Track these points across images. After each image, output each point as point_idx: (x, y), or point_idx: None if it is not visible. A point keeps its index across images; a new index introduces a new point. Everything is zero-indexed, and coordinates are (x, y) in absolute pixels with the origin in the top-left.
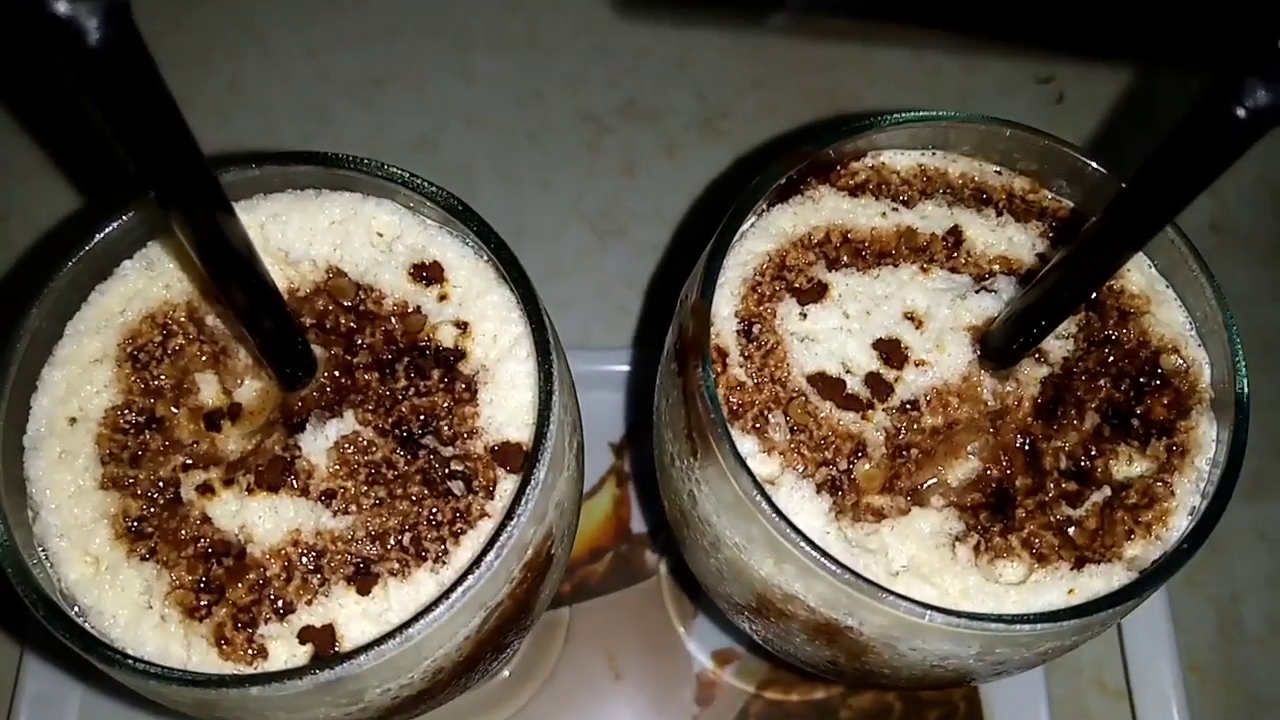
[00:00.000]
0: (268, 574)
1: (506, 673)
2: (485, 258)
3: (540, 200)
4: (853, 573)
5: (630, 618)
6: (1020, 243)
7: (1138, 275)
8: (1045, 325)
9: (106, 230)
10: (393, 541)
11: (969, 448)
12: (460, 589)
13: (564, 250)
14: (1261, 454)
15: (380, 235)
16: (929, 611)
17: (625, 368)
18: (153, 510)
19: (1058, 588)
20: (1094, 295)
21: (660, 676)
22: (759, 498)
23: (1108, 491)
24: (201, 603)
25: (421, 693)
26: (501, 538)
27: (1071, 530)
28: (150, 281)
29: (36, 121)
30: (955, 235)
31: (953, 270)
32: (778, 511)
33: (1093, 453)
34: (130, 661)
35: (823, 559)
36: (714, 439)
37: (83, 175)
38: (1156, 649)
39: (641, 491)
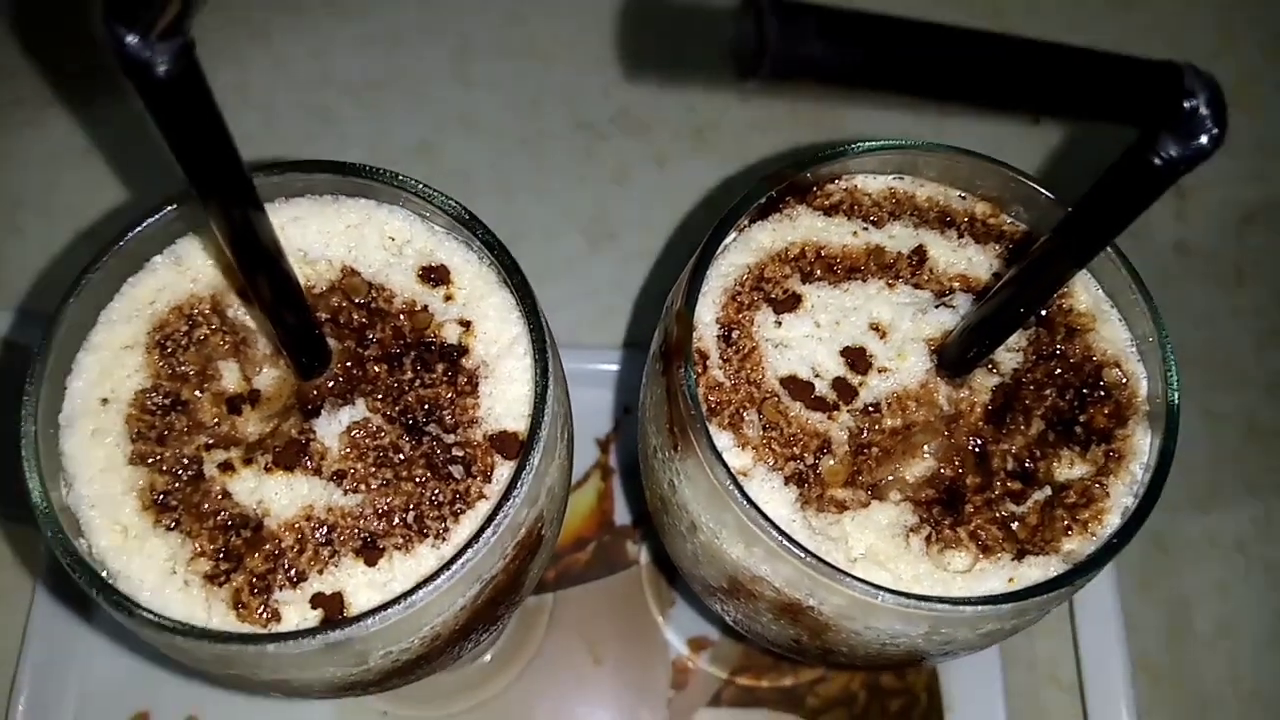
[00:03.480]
0: (282, 545)
1: (488, 657)
2: (488, 262)
3: (535, 205)
4: (815, 557)
5: (611, 605)
6: (979, 263)
7: (1084, 295)
8: (996, 338)
9: (139, 228)
10: (398, 519)
11: (925, 448)
12: (460, 561)
13: (556, 254)
14: (1213, 466)
15: (392, 239)
16: (881, 593)
17: (613, 367)
18: (177, 485)
19: (999, 576)
20: (1042, 312)
21: (638, 661)
22: (732, 488)
23: (1049, 491)
24: (221, 569)
25: (419, 657)
26: (498, 517)
27: (1014, 525)
28: (179, 275)
29: (89, 121)
30: (919, 254)
31: (916, 286)
32: (749, 501)
33: (1037, 455)
34: (160, 620)
35: (788, 544)
36: (693, 433)
37: (127, 173)
38: (1108, 647)
39: (625, 484)
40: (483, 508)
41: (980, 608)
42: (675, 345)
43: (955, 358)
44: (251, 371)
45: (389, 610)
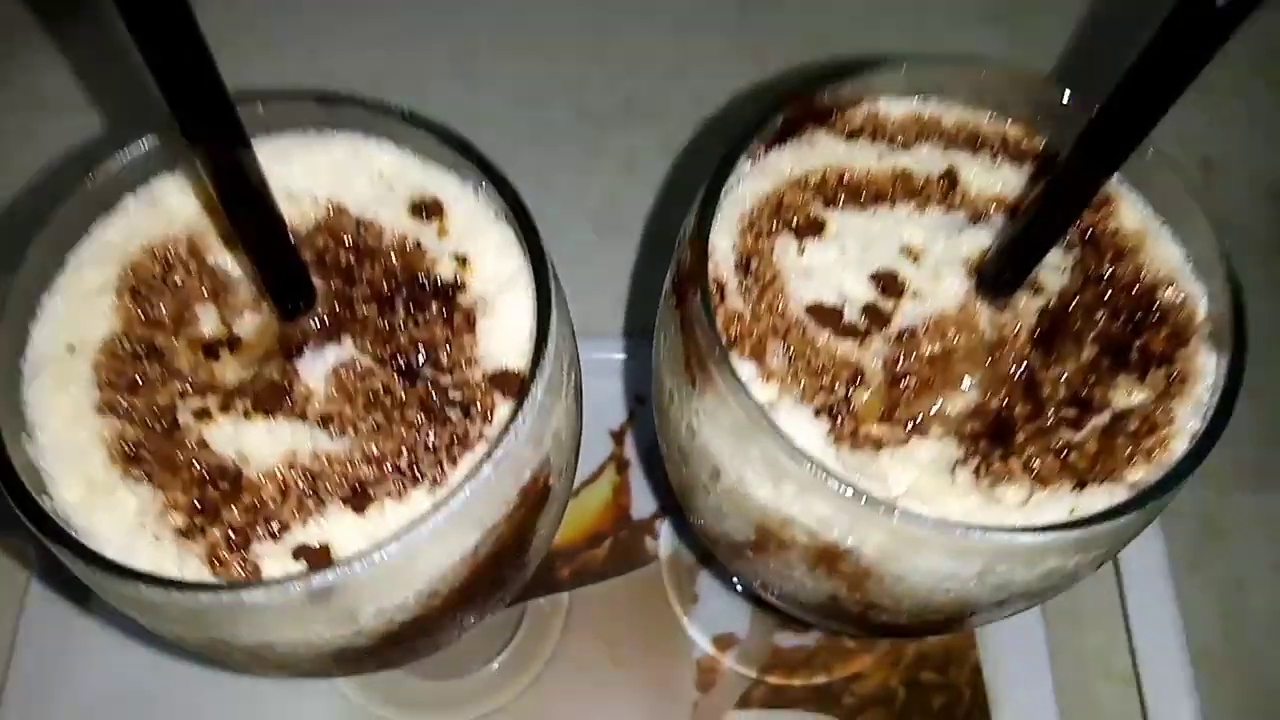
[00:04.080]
0: (263, 495)
1: (495, 666)
2: (484, 196)
3: (542, 198)
4: (852, 486)
5: (630, 603)
6: (1014, 184)
7: (1132, 213)
8: (1039, 248)
9: (110, 164)
10: (389, 464)
11: (967, 379)
12: (458, 498)
13: (565, 246)
14: (1264, 443)
15: (381, 175)
16: (928, 524)
17: (624, 356)
18: (149, 435)
19: (1059, 507)
20: (1088, 232)
21: (660, 662)
22: (758, 415)
23: (1108, 417)
24: (196, 523)
25: (418, 620)
26: (498, 452)
27: (1072, 455)
28: (153, 216)
29: (74, 52)
30: (950, 177)
31: (948, 209)
32: (775, 428)
33: (1091, 382)
34: (125, 569)
35: (821, 473)
36: (712, 363)
37: (104, 107)
38: (1163, 635)
39: (644, 473)
40: (482, 451)
41: (1043, 536)
42: (689, 272)
43: (995, 276)
44: (231, 317)
45: (380, 552)
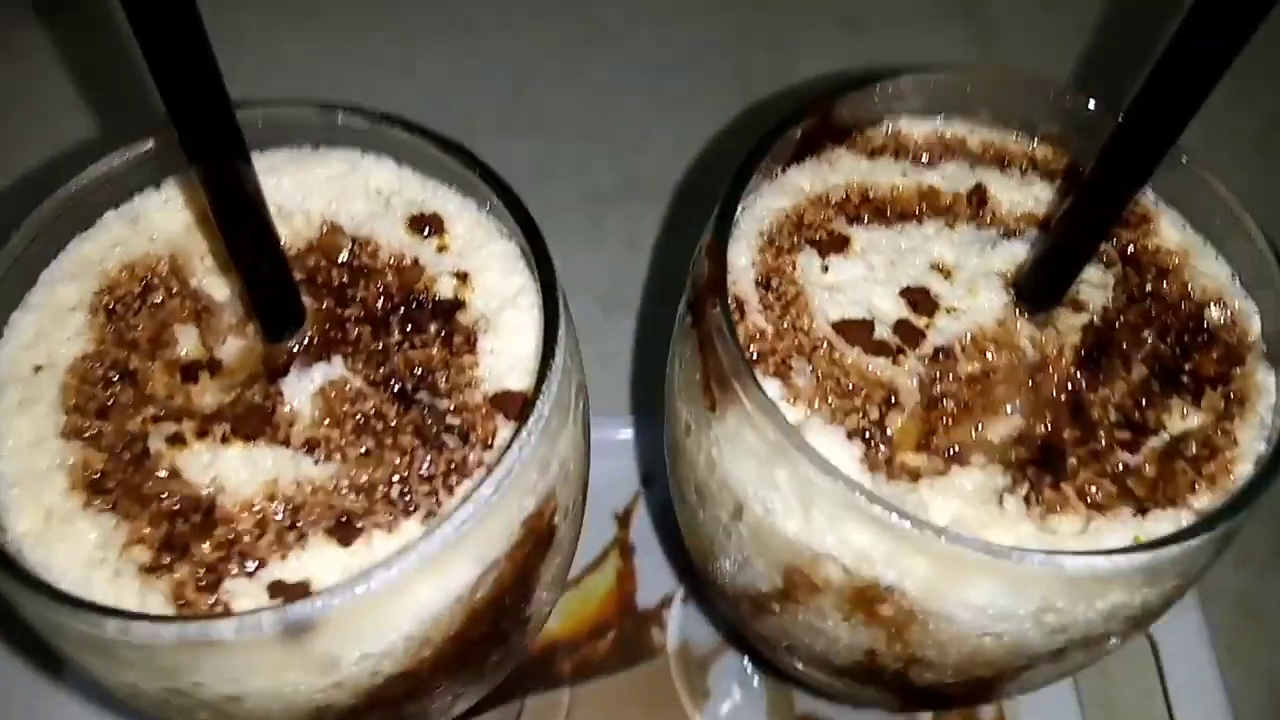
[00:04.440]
0: (238, 528)
1: None
2: (487, 210)
3: None
4: (894, 508)
5: (636, 700)
6: (1047, 199)
7: (1171, 231)
8: (1077, 259)
9: (88, 177)
10: (380, 494)
11: (1009, 404)
12: (452, 521)
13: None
14: None
15: (379, 191)
16: (983, 545)
17: (628, 433)
18: (116, 463)
19: (1121, 534)
20: (1128, 249)
21: None
22: (785, 432)
23: (1164, 440)
24: (162, 560)
25: (407, 675)
26: (499, 471)
27: (1130, 481)
28: (134, 234)
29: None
30: (979, 194)
31: (978, 227)
32: (806, 445)
33: (1143, 404)
34: (75, 601)
35: (859, 493)
36: (736, 380)
37: (106, 109)
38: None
39: (653, 555)
40: (482, 477)
41: (1107, 561)
42: (707, 284)
43: (1034, 289)
44: (212, 341)
45: (364, 583)
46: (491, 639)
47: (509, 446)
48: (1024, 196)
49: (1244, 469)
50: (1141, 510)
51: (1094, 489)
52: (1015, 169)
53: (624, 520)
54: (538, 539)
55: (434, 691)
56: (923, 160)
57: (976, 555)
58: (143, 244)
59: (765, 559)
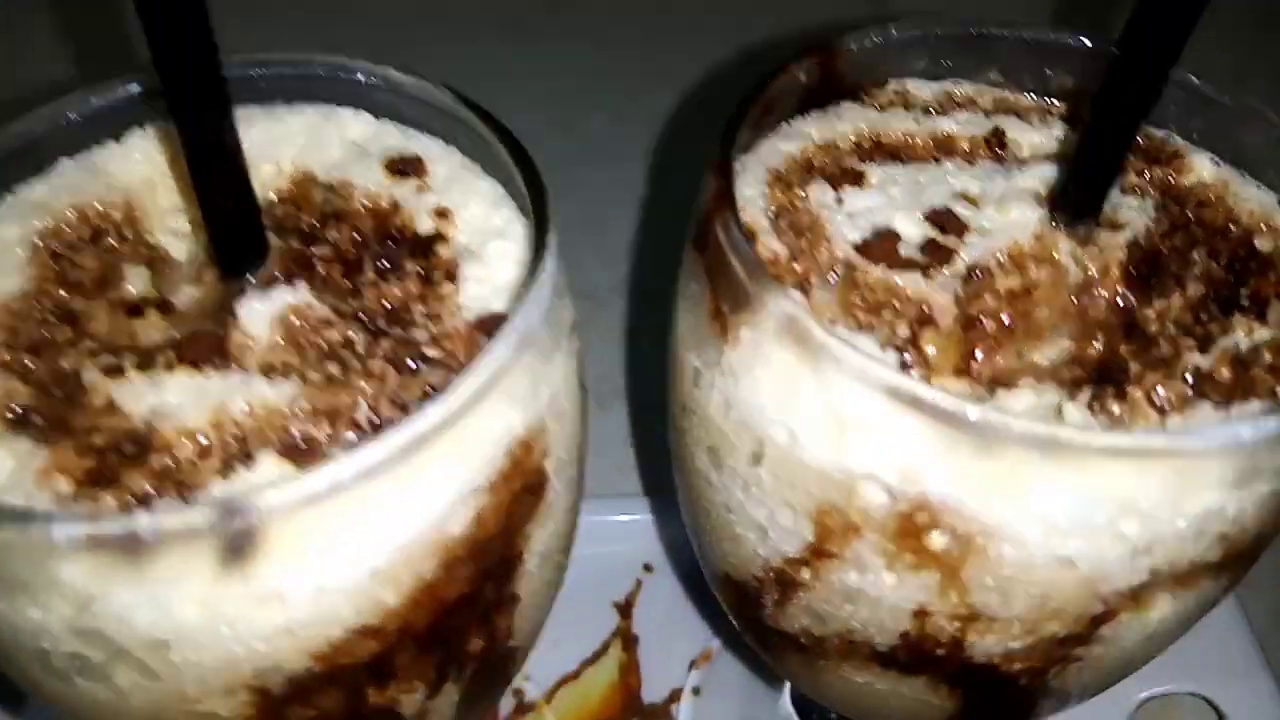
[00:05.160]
0: (179, 455)
1: None
2: (472, 152)
3: None
4: (945, 394)
5: None
6: (1070, 139)
7: (1207, 166)
8: (1112, 158)
9: (43, 121)
10: (345, 418)
11: (1055, 325)
12: (420, 421)
13: None
14: None
15: (355, 143)
16: (1051, 432)
17: (627, 517)
18: (44, 398)
19: (1210, 420)
20: (1165, 185)
21: None
22: (810, 334)
23: (1235, 345)
24: (86, 491)
25: (368, 633)
26: (474, 379)
27: (1204, 385)
28: (89, 181)
29: None
30: (998, 137)
31: (1001, 165)
32: (835, 344)
33: (1204, 320)
34: None
35: (903, 387)
36: (751, 283)
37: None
38: None
39: (662, 636)
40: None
41: (1199, 440)
42: (714, 202)
43: (1071, 194)
44: (166, 287)
45: (315, 485)
46: (471, 610)
47: (490, 351)
48: (1045, 138)
49: None
50: (1225, 403)
51: (1165, 392)
52: (1033, 117)
53: (625, 610)
54: (526, 482)
55: (399, 674)
56: (934, 111)
57: (1045, 446)
58: (98, 191)
59: (793, 505)
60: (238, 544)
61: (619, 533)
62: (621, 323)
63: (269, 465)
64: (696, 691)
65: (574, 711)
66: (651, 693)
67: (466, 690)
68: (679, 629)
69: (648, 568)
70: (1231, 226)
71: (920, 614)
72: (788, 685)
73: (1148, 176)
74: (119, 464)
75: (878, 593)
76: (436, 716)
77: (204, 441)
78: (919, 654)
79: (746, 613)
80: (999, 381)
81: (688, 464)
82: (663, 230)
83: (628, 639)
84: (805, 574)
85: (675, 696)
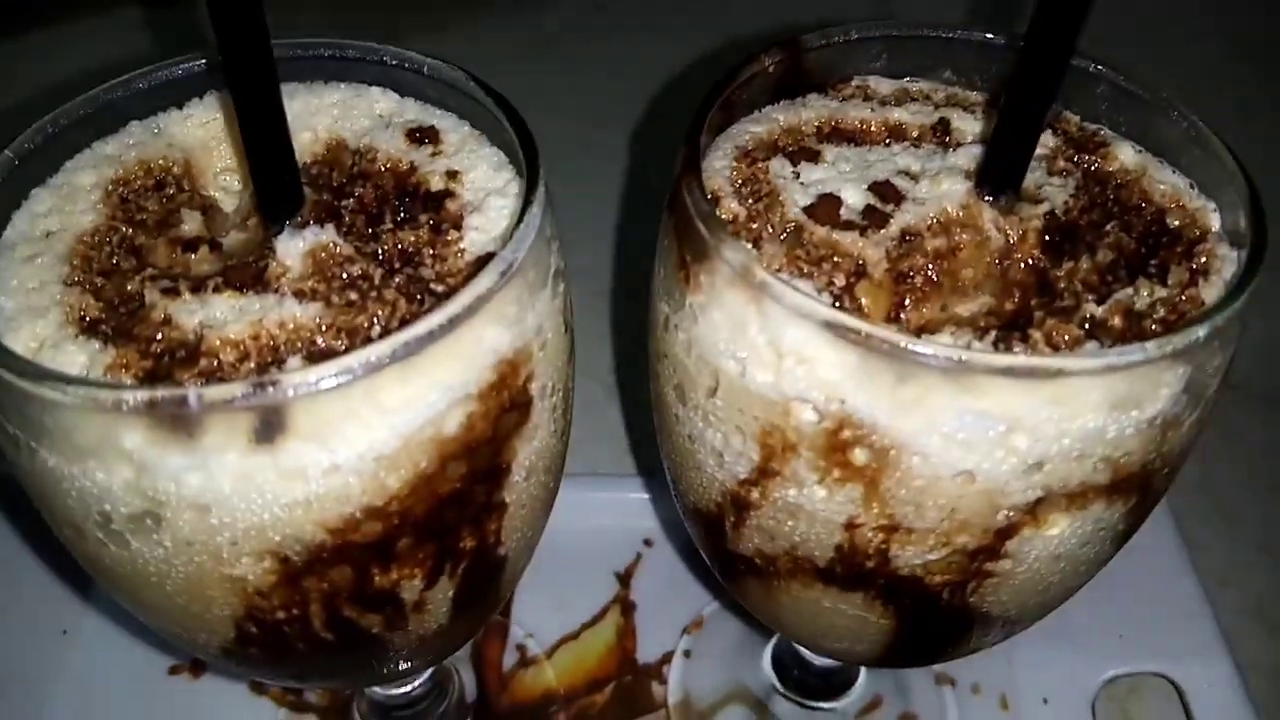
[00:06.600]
0: (220, 358)
1: None
2: (482, 127)
3: None
4: (860, 322)
5: None
6: None
7: (1129, 153)
8: (1027, 132)
9: (117, 90)
10: (361, 334)
11: (976, 284)
12: (420, 326)
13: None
14: None
15: (381, 116)
16: (943, 350)
17: (631, 495)
18: (111, 312)
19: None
20: (1088, 167)
21: None
22: (754, 274)
23: (1129, 300)
24: (144, 382)
25: (373, 513)
26: (468, 294)
27: (1097, 331)
28: (154, 140)
29: None
30: (944, 125)
31: (944, 149)
32: (773, 282)
33: (1109, 280)
34: (40, 372)
35: (831, 315)
36: (706, 233)
37: None
38: None
39: (658, 606)
40: None
41: (1078, 361)
42: (683, 165)
43: (991, 170)
44: (216, 230)
45: (332, 366)
46: (463, 508)
47: (481, 269)
48: (986, 128)
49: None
50: (1116, 343)
51: (1062, 335)
52: (977, 110)
53: (625, 579)
54: (512, 398)
55: (399, 558)
56: (890, 102)
57: (938, 363)
58: (161, 149)
59: (742, 429)
60: (267, 422)
61: (622, 509)
62: (622, 323)
63: (295, 367)
64: (687, 654)
65: (573, 667)
66: (646, 654)
67: (459, 591)
68: (673, 598)
69: (648, 542)
70: (1144, 204)
71: (850, 526)
72: (768, 648)
73: (1075, 161)
74: (172, 364)
75: (813, 507)
76: (433, 611)
77: (243, 349)
78: (852, 567)
79: (712, 541)
80: (925, 330)
81: (662, 403)
82: None
83: (626, 605)
84: (755, 494)
85: (667, 659)
